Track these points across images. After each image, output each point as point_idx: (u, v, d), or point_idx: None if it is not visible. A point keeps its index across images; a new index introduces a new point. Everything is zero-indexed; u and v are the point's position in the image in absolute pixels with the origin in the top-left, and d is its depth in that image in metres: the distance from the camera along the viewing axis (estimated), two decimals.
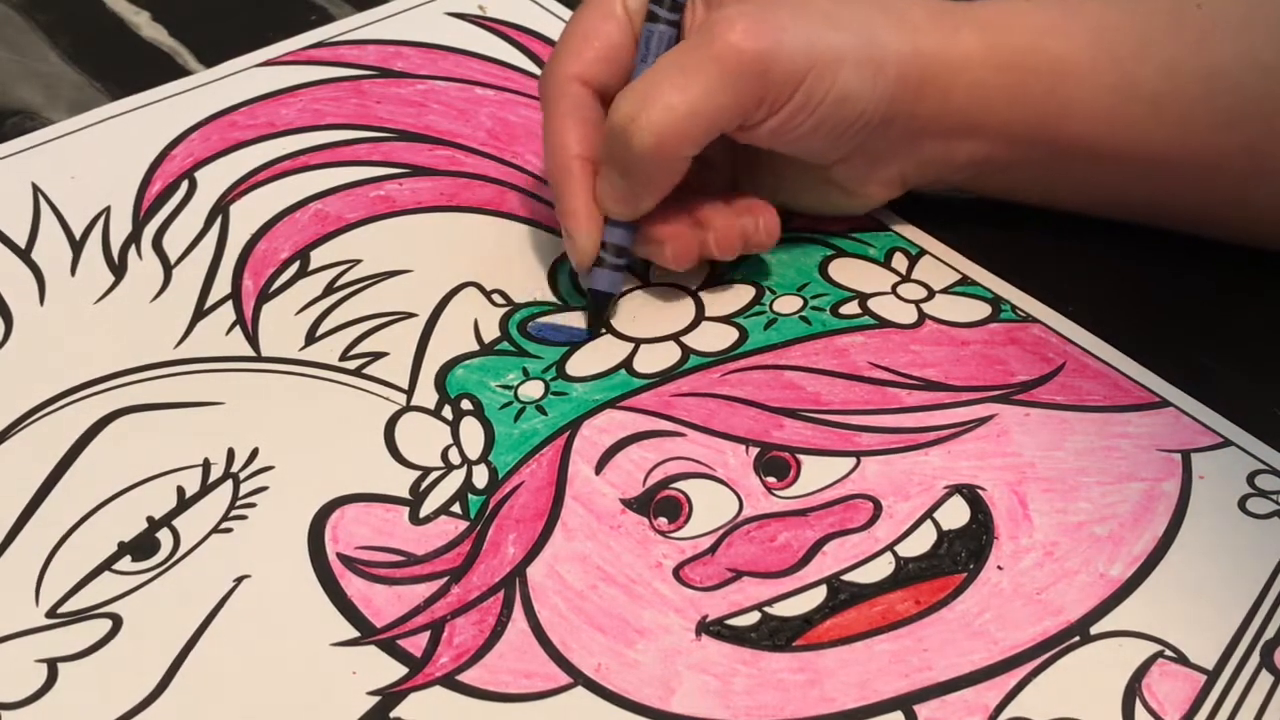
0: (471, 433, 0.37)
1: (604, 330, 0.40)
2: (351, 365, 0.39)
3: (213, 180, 0.45)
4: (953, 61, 0.39)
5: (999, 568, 0.34)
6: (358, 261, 0.42)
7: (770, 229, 0.40)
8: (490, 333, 0.40)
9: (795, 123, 0.37)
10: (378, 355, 0.39)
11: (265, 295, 0.41)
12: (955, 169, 0.42)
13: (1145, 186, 0.41)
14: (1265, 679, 0.32)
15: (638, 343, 0.40)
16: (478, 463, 0.36)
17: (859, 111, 0.38)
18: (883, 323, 0.41)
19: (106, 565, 0.34)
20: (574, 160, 0.38)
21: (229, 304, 0.41)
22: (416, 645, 0.32)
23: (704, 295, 0.41)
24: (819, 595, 0.34)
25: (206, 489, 0.35)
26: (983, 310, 0.41)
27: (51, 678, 0.31)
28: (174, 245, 0.42)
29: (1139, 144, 0.39)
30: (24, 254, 0.42)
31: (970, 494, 0.36)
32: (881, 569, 0.34)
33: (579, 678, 0.32)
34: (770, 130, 0.38)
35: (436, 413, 0.38)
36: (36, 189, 0.44)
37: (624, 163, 0.37)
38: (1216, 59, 0.38)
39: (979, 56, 0.39)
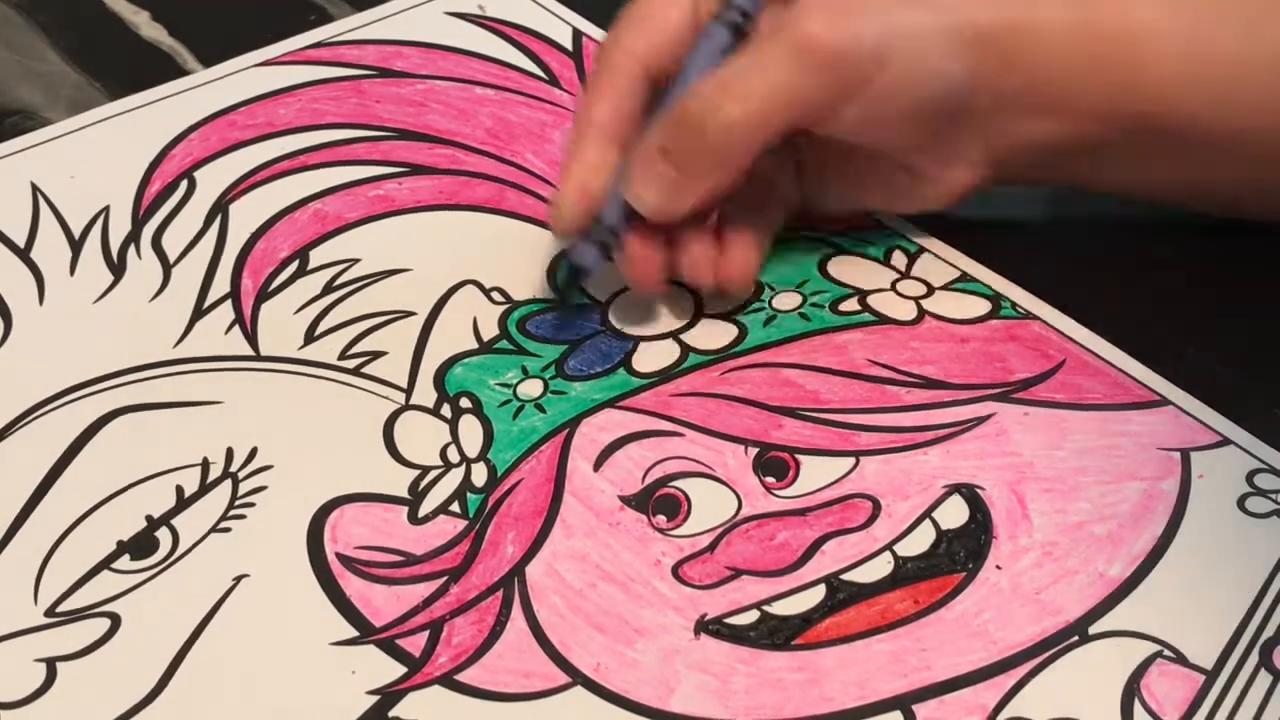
0: (470, 431, 0.37)
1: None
2: (350, 364, 0.39)
3: (212, 180, 0.45)
4: (1040, 31, 0.37)
5: (998, 567, 0.34)
6: (357, 260, 0.42)
7: (745, 268, 0.39)
8: (489, 331, 0.40)
9: (878, 109, 0.36)
10: (376, 354, 0.39)
11: (264, 294, 0.41)
12: (1037, 150, 0.40)
13: (1228, 169, 0.40)
14: (1264, 678, 0.32)
15: (637, 341, 0.40)
16: (476, 461, 0.36)
17: (943, 90, 0.37)
18: (882, 319, 0.41)
19: (105, 564, 0.34)
20: (594, 128, 0.38)
21: (228, 303, 0.41)
22: (415, 645, 0.32)
23: (703, 292, 0.41)
24: (818, 594, 0.34)
25: (205, 488, 0.35)
26: (982, 307, 0.41)
27: (50, 677, 0.31)
28: (173, 245, 0.42)
29: (1220, 113, 0.38)
30: (23, 253, 0.42)
31: (969, 493, 0.36)
32: (880, 568, 0.34)
33: (578, 677, 0.32)
34: (853, 120, 0.37)
35: (435, 411, 0.38)
36: (36, 188, 0.44)
37: (689, 150, 0.36)
38: None
39: (1065, 26, 0.37)
